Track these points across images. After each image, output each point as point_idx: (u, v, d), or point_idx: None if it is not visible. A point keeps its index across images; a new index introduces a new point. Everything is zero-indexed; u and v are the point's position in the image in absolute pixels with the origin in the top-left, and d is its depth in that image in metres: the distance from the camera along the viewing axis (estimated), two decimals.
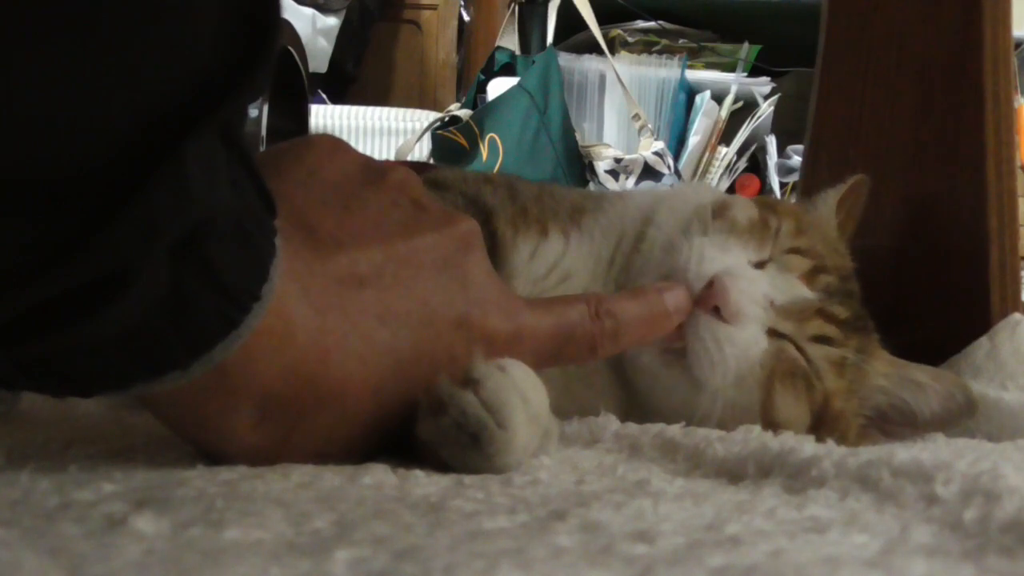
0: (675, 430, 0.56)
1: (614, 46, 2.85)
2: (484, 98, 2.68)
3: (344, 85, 3.21)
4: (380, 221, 0.46)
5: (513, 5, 2.84)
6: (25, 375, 0.37)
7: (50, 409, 0.57)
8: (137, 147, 0.32)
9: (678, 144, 2.79)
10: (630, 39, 2.89)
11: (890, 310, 0.71)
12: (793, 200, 1.40)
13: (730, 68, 2.85)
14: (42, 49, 0.29)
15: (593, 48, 2.77)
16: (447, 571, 0.29)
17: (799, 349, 0.64)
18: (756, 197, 1.30)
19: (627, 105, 2.71)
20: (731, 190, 2.60)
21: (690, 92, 2.83)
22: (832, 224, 0.74)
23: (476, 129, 2.54)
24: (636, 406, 0.65)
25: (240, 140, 0.37)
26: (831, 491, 0.42)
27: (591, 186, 2.52)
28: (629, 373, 0.65)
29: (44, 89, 0.30)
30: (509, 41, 2.83)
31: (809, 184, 0.95)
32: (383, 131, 2.77)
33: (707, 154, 2.73)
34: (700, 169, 2.72)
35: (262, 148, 1.76)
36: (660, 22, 2.89)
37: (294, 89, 2.14)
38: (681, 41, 2.90)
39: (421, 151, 2.68)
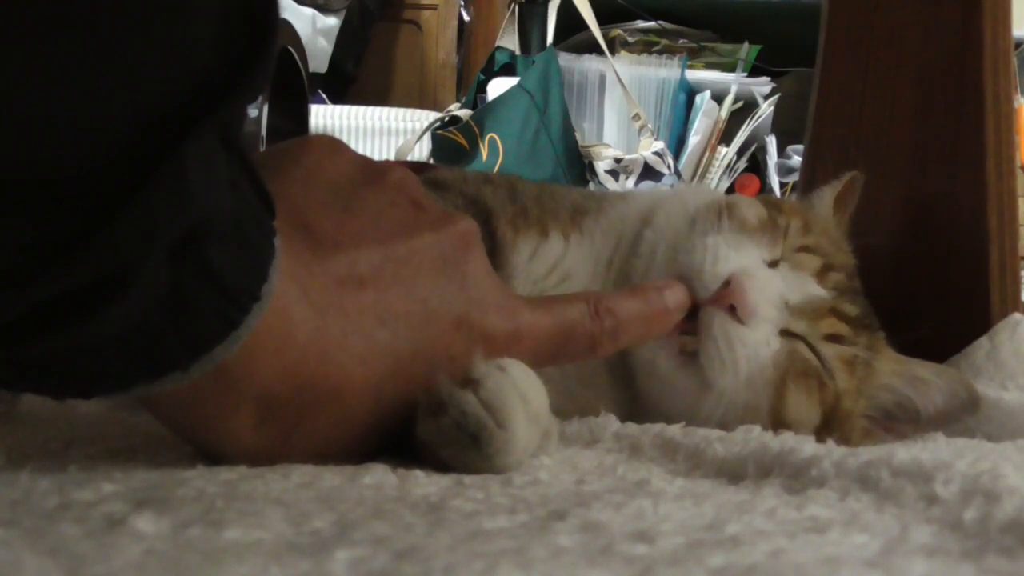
0: (675, 430, 0.56)
1: (614, 46, 2.85)
2: (484, 98, 2.68)
3: (344, 85, 3.21)
4: (379, 221, 0.46)
5: (513, 5, 2.84)
6: (25, 376, 0.37)
7: (50, 409, 0.57)
8: (137, 147, 0.32)
9: (678, 144, 2.79)
10: (630, 39, 2.89)
11: (890, 310, 0.71)
12: (793, 199, 1.40)
13: (730, 68, 2.85)
14: (42, 49, 0.29)
15: (593, 48, 2.77)
16: (447, 571, 0.29)
17: (812, 348, 0.64)
18: (758, 196, 1.30)
19: (627, 105, 2.71)
20: (731, 190, 2.60)
21: (690, 92, 2.83)
22: (832, 221, 0.75)
23: (476, 129, 2.54)
24: (636, 406, 0.65)
25: (239, 141, 0.37)
26: (831, 491, 0.42)
27: (591, 186, 2.52)
28: (638, 375, 0.65)
29: (44, 89, 0.30)
30: (509, 41, 2.83)
31: (809, 184, 0.95)
32: (383, 131, 2.77)
33: (707, 154, 2.73)
34: (700, 169, 2.72)
35: (262, 148, 1.76)
36: (660, 22, 2.89)
37: (294, 89, 2.14)
38: (681, 41, 2.90)
39: (421, 151, 2.68)
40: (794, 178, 2.43)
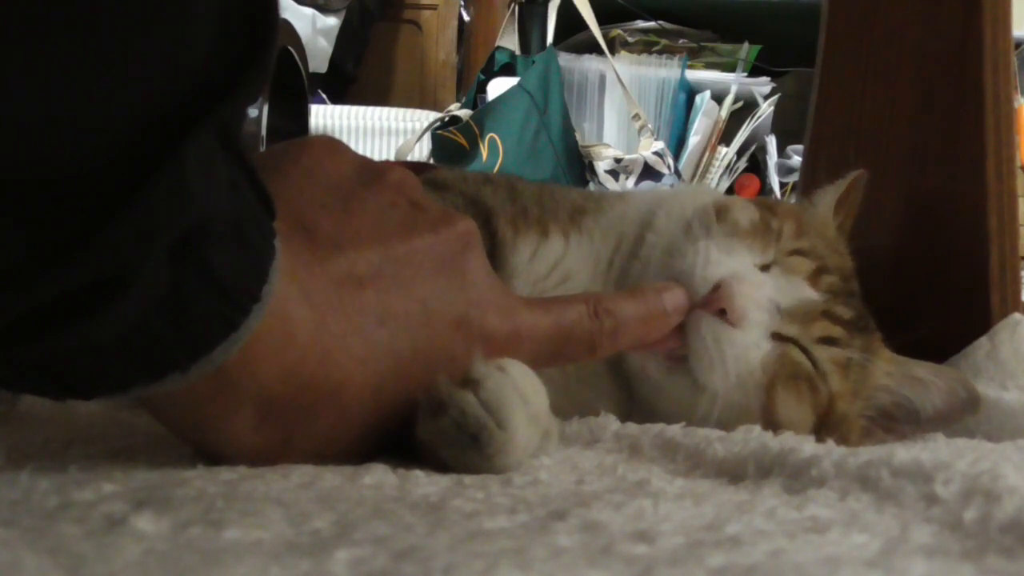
0: (675, 430, 0.56)
1: (614, 46, 2.85)
2: (484, 98, 2.68)
3: (344, 85, 3.21)
4: (378, 222, 0.46)
5: (513, 5, 2.84)
6: (25, 377, 0.37)
7: (50, 409, 0.57)
8: (136, 147, 0.32)
9: (678, 144, 2.79)
10: (630, 39, 2.89)
11: (890, 310, 0.71)
12: (793, 200, 1.40)
13: (730, 68, 2.85)
14: (42, 49, 0.29)
15: (593, 48, 2.77)
16: (447, 571, 0.29)
17: (805, 352, 0.64)
18: (755, 198, 1.30)
19: (627, 105, 2.71)
20: (731, 190, 2.60)
21: (690, 92, 2.83)
22: (831, 223, 0.74)
23: (476, 129, 2.54)
24: (636, 406, 0.65)
25: (238, 141, 0.37)
26: (831, 491, 0.42)
27: (591, 186, 2.52)
28: (633, 382, 0.65)
29: (44, 89, 0.30)
30: (509, 41, 2.83)
31: (809, 184, 0.95)
32: (383, 131, 2.76)
33: (707, 154, 2.73)
34: (700, 169, 2.72)
35: (262, 148, 1.76)
36: (660, 22, 2.89)
37: (294, 89, 2.14)
38: (681, 41, 2.90)
39: (421, 151, 2.68)
40: (794, 178, 2.44)
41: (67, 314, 0.34)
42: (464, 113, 2.62)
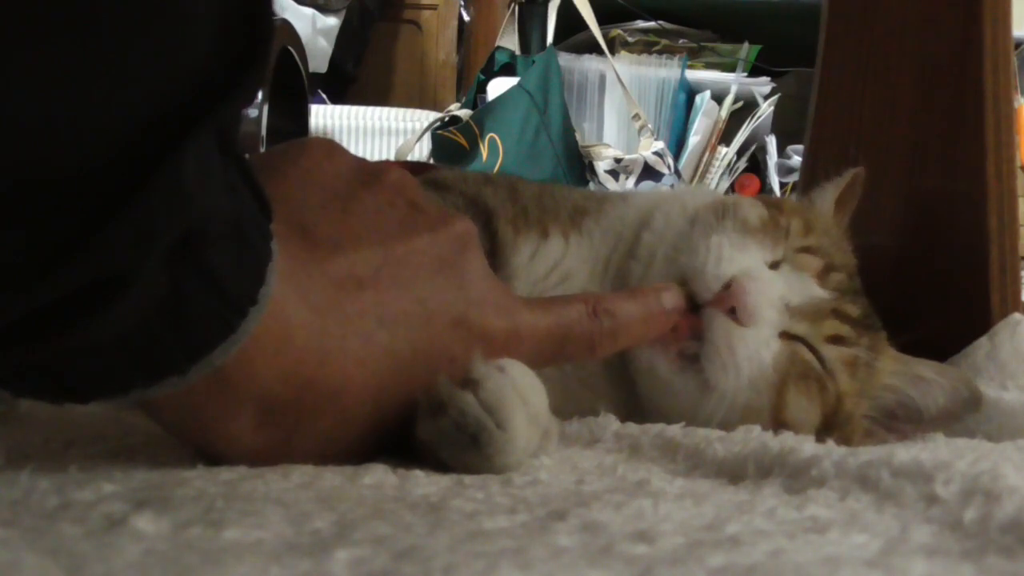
0: (675, 430, 0.56)
1: (614, 46, 2.85)
2: (484, 98, 2.68)
3: (344, 85, 3.21)
4: (377, 222, 0.46)
5: (513, 5, 2.84)
6: (24, 379, 0.37)
7: (50, 409, 0.57)
8: (135, 148, 0.32)
9: (678, 144, 2.79)
10: (630, 39, 2.89)
11: (890, 310, 0.71)
12: (794, 199, 1.40)
13: (730, 68, 2.85)
14: (41, 50, 0.29)
15: (593, 48, 2.77)
16: (447, 571, 0.29)
17: (813, 350, 0.63)
18: (758, 196, 1.30)
19: (627, 105, 2.71)
20: (731, 190, 2.60)
21: (690, 92, 2.83)
22: (833, 220, 0.74)
23: (476, 129, 2.54)
24: (636, 406, 0.65)
25: (235, 143, 0.37)
26: (831, 491, 0.42)
27: (591, 186, 2.52)
28: (638, 380, 0.64)
29: (42, 90, 0.30)
30: (509, 41, 2.82)
31: (809, 184, 0.95)
32: (383, 131, 2.76)
33: (707, 154, 2.73)
34: (700, 169, 2.72)
35: (262, 148, 1.76)
36: (660, 22, 2.89)
37: (294, 89, 2.14)
38: (681, 41, 2.90)
39: (421, 151, 2.68)
40: (794, 178, 2.43)
41: (67, 315, 0.34)
42: (464, 113, 2.62)
